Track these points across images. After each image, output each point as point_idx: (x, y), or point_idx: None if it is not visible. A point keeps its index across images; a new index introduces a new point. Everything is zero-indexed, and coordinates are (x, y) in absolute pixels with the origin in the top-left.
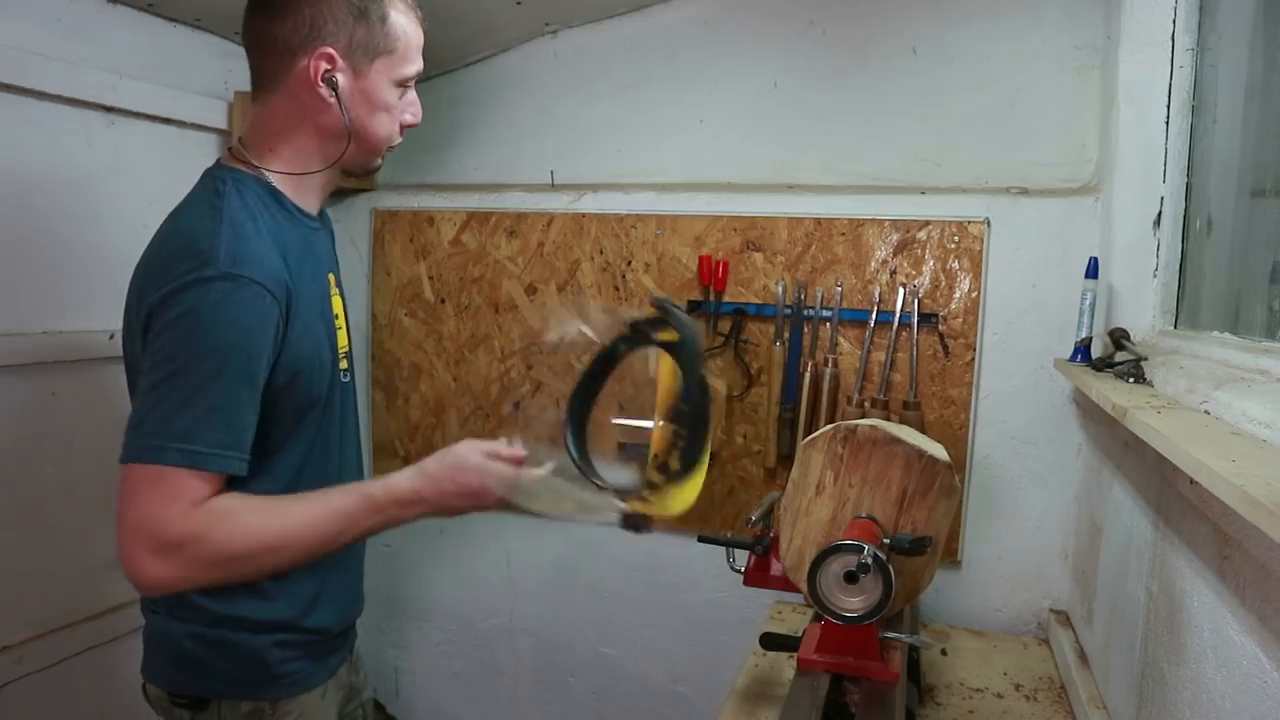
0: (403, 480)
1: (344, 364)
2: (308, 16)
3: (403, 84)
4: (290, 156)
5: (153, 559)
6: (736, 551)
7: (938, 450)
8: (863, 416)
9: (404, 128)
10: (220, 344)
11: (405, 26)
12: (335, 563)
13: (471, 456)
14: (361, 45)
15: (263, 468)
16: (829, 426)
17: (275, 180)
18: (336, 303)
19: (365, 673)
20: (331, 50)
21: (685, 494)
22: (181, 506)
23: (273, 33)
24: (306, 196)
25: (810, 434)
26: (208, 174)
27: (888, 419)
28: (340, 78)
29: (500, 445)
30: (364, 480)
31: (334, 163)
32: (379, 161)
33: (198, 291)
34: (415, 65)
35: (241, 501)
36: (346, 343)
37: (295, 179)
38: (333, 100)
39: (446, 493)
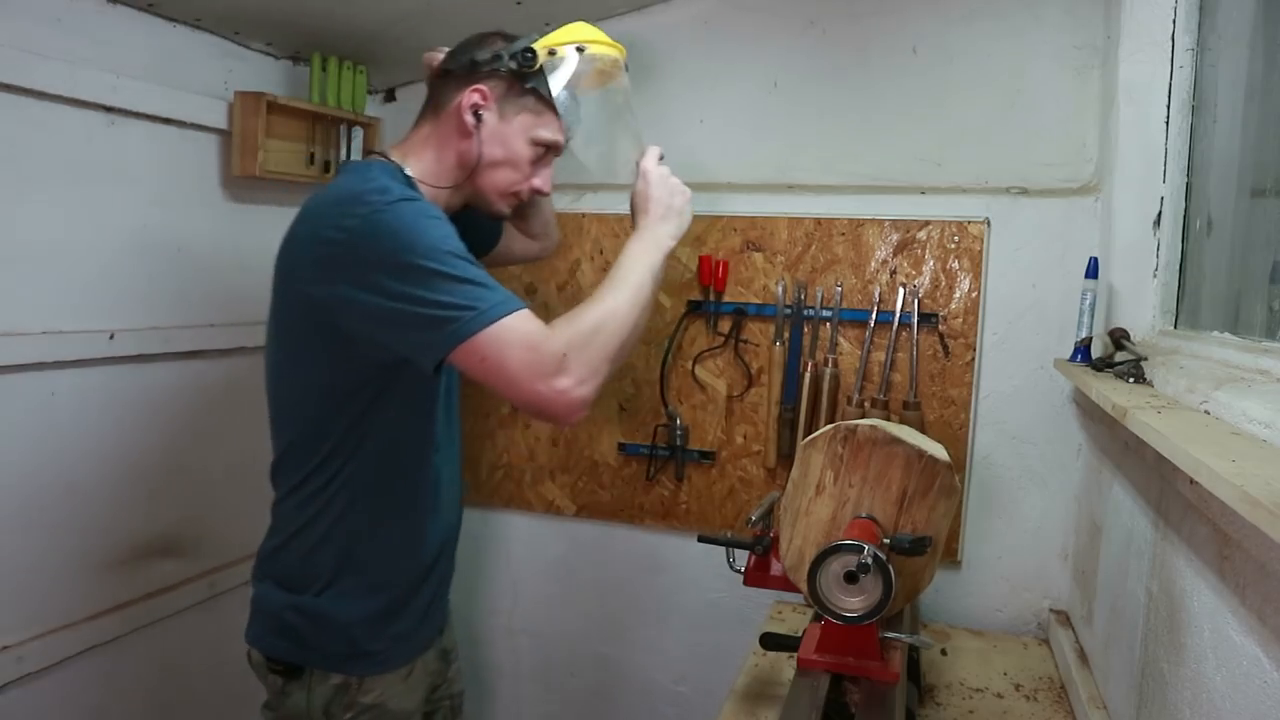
0: (639, 219)
1: None
2: (474, 59)
3: (540, 144)
4: (427, 165)
5: (563, 379)
6: (736, 551)
7: (938, 450)
8: (863, 416)
9: (532, 191)
10: (434, 240)
11: (557, 96)
12: (438, 523)
13: (649, 172)
14: (510, 97)
15: (398, 438)
16: (829, 426)
17: (420, 187)
18: None
19: (459, 666)
20: (485, 88)
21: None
22: (541, 334)
23: (457, 57)
24: (438, 205)
25: (810, 434)
26: (351, 162)
27: (888, 419)
28: (486, 115)
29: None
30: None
31: (455, 184)
32: (501, 208)
33: (390, 213)
34: (553, 133)
35: (584, 311)
36: None
37: (430, 192)
38: (474, 130)
39: (662, 199)
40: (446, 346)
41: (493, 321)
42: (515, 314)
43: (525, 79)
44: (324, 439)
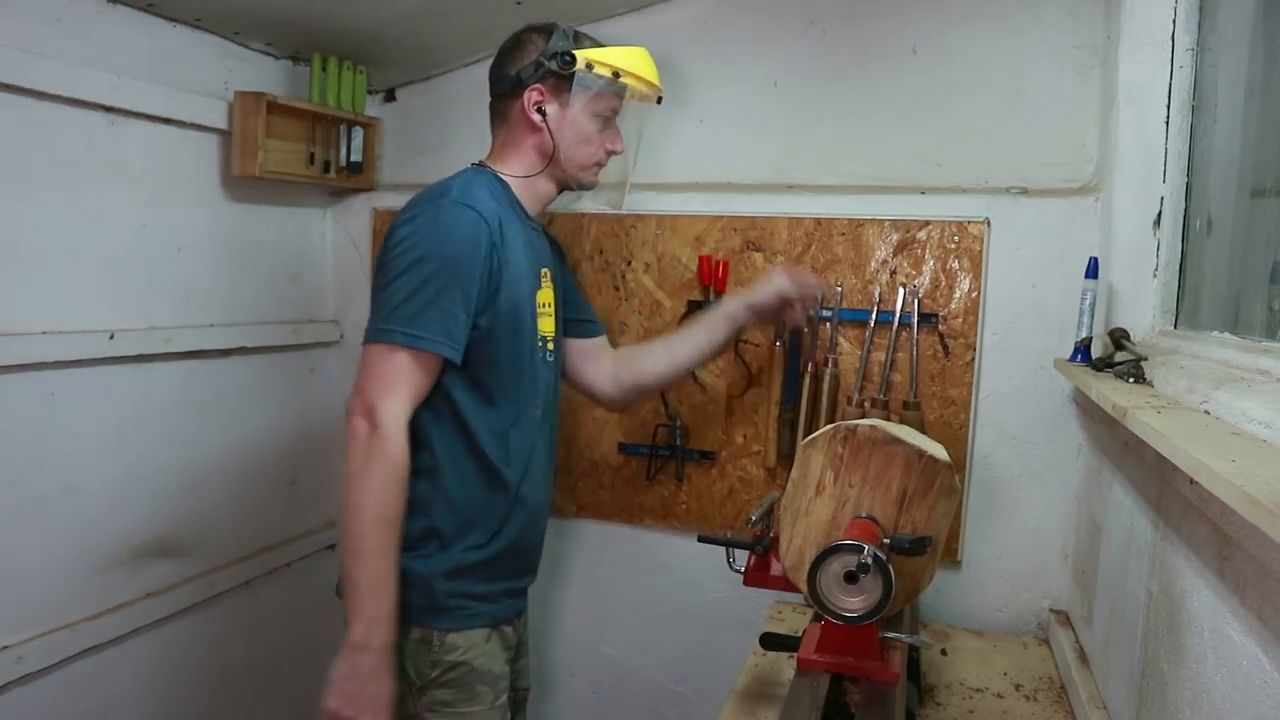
0: (387, 636)
1: (550, 345)
2: (521, 67)
3: (601, 116)
4: (512, 166)
5: (358, 415)
6: (736, 551)
7: (938, 450)
8: (863, 416)
9: (609, 153)
10: (440, 254)
11: (603, 75)
12: (529, 487)
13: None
14: (563, 87)
15: (482, 418)
16: (829, 426)
17: (508, 180)
18: (547, 294)
19: (527, 663)
20: (541, 87)
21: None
22: (396, 386)
23: (502, 76)
24: (529, 200)
25: (810, 434)
26: (462, 171)
27: (888, 419)
28: (549, 108)
29: None
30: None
31: (541, 171)
32: (589, 179)
33: (432, 211)
34: (609, 101)
35: (399, 474)
36: (552, 328)
37: (521, 184)
38: (542, 124)
39: (371, 674)
40: (368, 339)
41: (379, 342)
42: (406, 350)
43: (565, 73)
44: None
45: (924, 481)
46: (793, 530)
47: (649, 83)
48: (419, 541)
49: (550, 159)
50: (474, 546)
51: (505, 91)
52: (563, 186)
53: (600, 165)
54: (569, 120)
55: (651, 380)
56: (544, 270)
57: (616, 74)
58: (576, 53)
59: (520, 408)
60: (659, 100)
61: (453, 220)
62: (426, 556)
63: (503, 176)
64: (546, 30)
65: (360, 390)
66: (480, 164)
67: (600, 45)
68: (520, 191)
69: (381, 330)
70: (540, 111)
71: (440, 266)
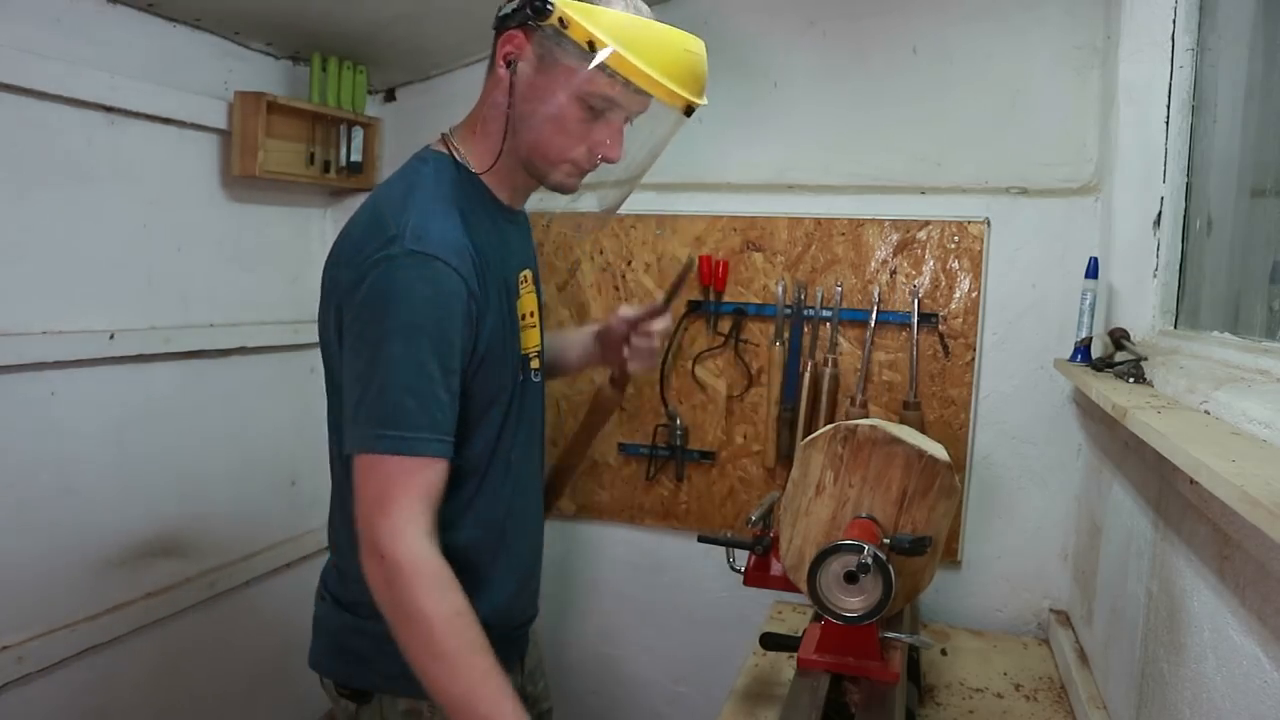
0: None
1: (535, 363)
2: (500, 13)
3: (588, 103)
4: (481, 144)
5: (372, 561)
6: (736, 551)
7: (938, 450)
8: (864, 416)
9: (595, 157)
10: (409, 323)
11: (574, 42)
12: (506, 557)
13: None
14: (549, 44)
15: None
16: (829, 426)
17: (470, 164)
18: (529, 300)
19: (546, 684)
20: (521, 35)
21: None
22: (409, 504)
23: (498, 11)
24: (501, 188)
25: (810, 434)
26: (415, 156)
27: (888, 419)
28: (522, 65)
29: None
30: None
31: (499, 156)
32: (558, 179)
33: (385, 270)
34: (600, 89)
35: (452, 597)
36: (537, 340)
37: (488, 166)
38: (507, 82)
39: None
40: (351, 445)
41: (365, 452)
42: (391, 455)
43: (566, 19)
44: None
45: (924, 481)
46: (793, 530)
47: (651, 80)
48: None
49: (512, 133)
50: None
51: (493, 27)
52: (534, 178)
53: (578, 167)
54: (538, 90)
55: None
56: (524, 273)
57: (591, 45)
58: (557, 1)
59: (514, 443)
60: (688, 112)
61: (417, 288)
62: None
63: (471, 166)
64: None
65: (360, 517)
66: (445, 137)
67: (630, 5)
68: (492, 180)
69: (371, 437)
70: (510, 67)
71: (418, 346)
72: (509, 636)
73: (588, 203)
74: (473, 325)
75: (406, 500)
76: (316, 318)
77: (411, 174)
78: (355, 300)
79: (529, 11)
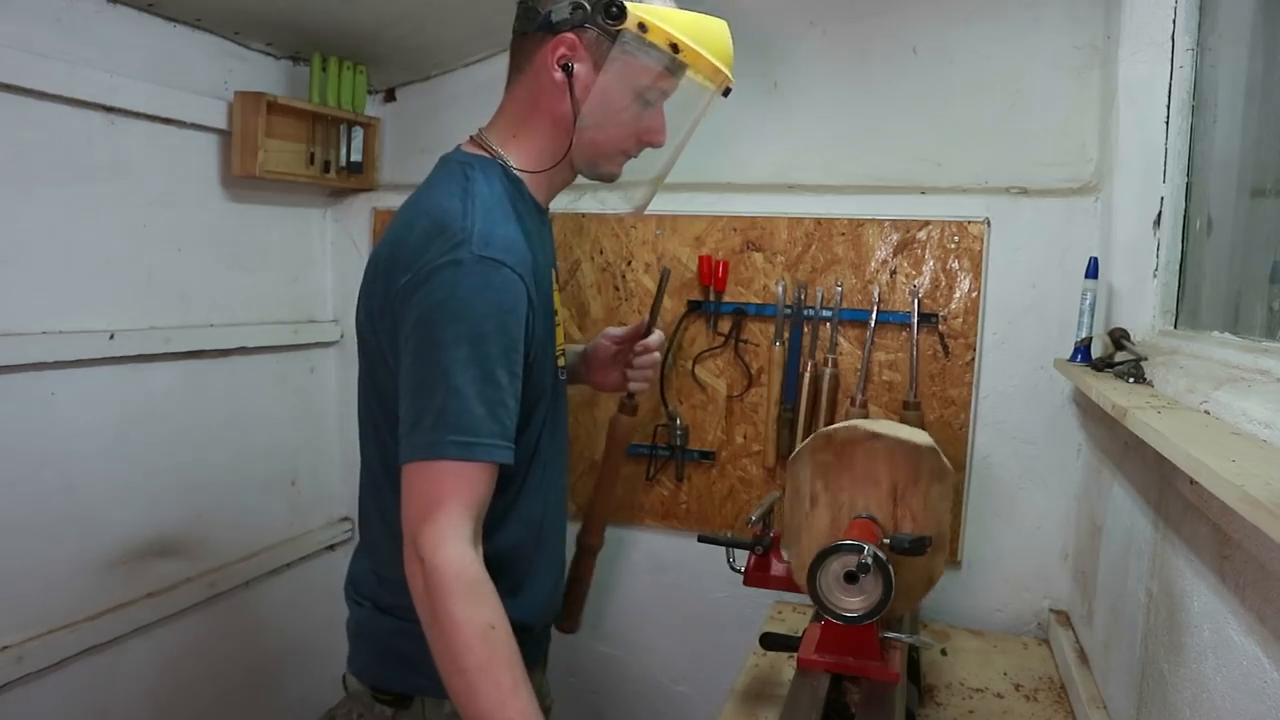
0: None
1: (561, 361)
2: (556, 5)
3: (643, 95)
4: (526, 147)
5: (415, 566)
6: (736, 551)
7: (919, 436)
8: (864, 416)
9: (643, 144)
10: (478, 330)
11: (656, 45)
12: (540, 558)
13: None
14: (602, 43)
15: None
16: (809, 438)
17: (516, 170)
18: (556, 298)
19: (546, 679)
20: (574, 37)
21: None
22: (458, 513)
23: (530, 10)
24: (540, 188)
25: (810, 434)
26: (450, 160)
27: (888, 419)
28: (578, 66)
29: None
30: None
31: (562, 159)
32: (608, 169)
33: (452, 274)
34: (662, 82)
35: (488, 609)
36: (563, 340)
37: (536, 168)
38: (565, 87)
39: None
40: (414, 452)
41: (429, 458)
42: (455, 460)
43: (616, 14)
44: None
45: (909, 470)
46: (799, 548)
47: (716, 69)
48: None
49: (567, 133)
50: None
51: (530, 30)
52: (579, 172)
53: (628, 155)
54: (600, 90)
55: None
56: (552, 269)
57: (675, 47)
58: (631, 6)
59: (555, 442)
60: (726, 92)
61: (482, 293)
62: None
63: (512, 169)
64: None
65: (406, 521)
66: (479, 140)
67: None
68: (531, 181)
69: (434, 445)
70: (566, 70)
71: (486, 350)
72: (543, 635)
73: (626, 189)
74: (531, 330)
75: (455, 507)
76: (356, 326)
77: (461, 178)
78: (419, 305)
79: (603, 17)
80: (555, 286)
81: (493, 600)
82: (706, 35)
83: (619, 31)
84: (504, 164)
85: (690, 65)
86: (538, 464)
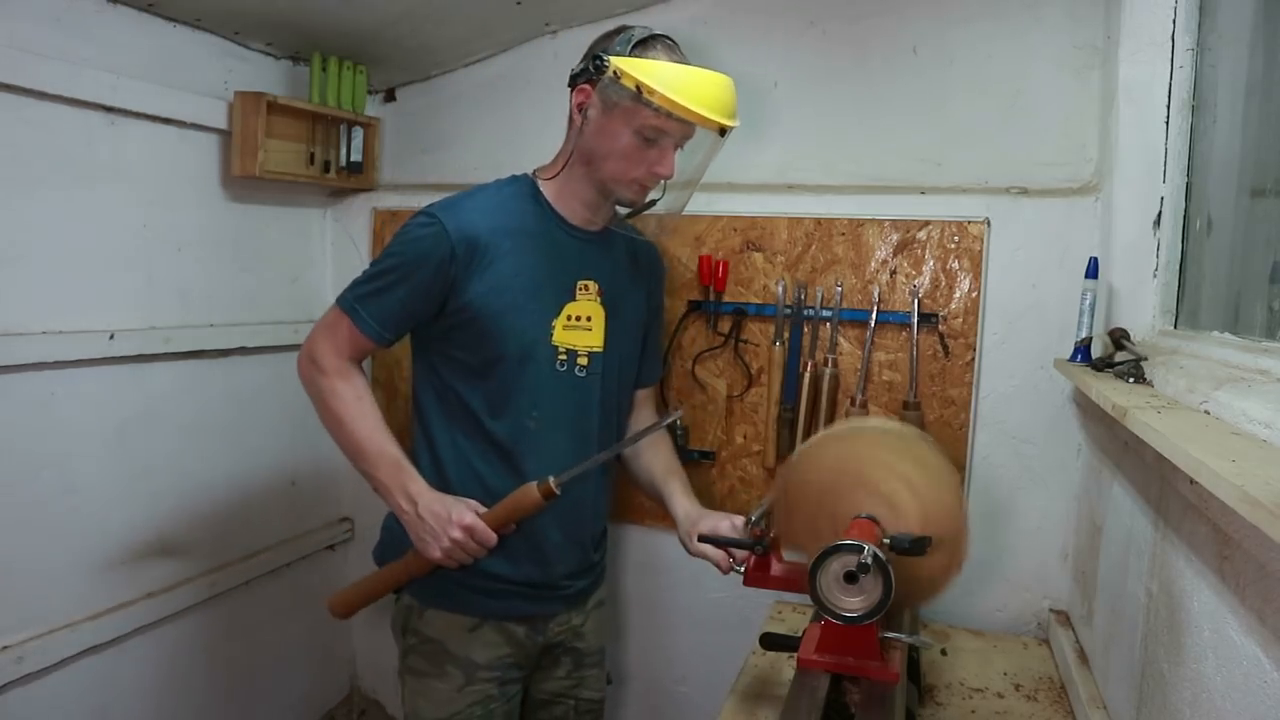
0: (418, 483)
1: (583, 360)
2: (583, 63)
3: (643, 133)
4: (551, 166)
5: (304, 359)
6: (736, 551)
7: (874, 423)
8: (864, 416)
9: (651, 175)
10: (394, 250)
11: (627, 89)
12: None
13: (459, 506)
14: (610, 90)
15: (450, 413)
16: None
17: (542, 186)
18: (585, 305)
19: (599, 675)
20: (588, 87)
21: None
22: (336, 343)
23: (570, 74)
24: (570, 207)
25: (810, 435)
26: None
27: (888, 419)
28: (590, 111)
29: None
30: (402, 457)
31: (561, 171)
32: (627, 195)
33: (410, 219)
34: (650, 122)
35: (353, 387)
36: (586, 341)
37: (558, 189)
38: (580, 126)
39: (428, 510)
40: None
41: (336, 306)
42: (343, 312)
43: (617, 75)
44: (422, 391)
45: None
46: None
47: (688, 111)
48: None
49: (583, 163)
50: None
51: (570, 85)
52: (610, 197)
53: (641, 184)
54: (604, 129)
55: (630, 471)
56: (583, 282)
57: (640, 89)
58: (611, 59)
59: (516, 413)
60: (722, 133)
61: (411, 231)
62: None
63: (540, 182)
64: (620, 30)
65: (309, 338)
66: (537, 171)
67: (671, 57)
68: (558, 196)
69: (341, 297)
70: (583, 113)
71: (394, 265)
72: (536, 582)
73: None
74: (446, 279)
75: (342, 348)
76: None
77: (493, 183)
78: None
79: (592, 69)
80: (589, 296)
81: (357, 390)
82: (679, 82)
83: (602, 80)
84: (533, 178)
85: (662, 106)
86: (508, 417)
